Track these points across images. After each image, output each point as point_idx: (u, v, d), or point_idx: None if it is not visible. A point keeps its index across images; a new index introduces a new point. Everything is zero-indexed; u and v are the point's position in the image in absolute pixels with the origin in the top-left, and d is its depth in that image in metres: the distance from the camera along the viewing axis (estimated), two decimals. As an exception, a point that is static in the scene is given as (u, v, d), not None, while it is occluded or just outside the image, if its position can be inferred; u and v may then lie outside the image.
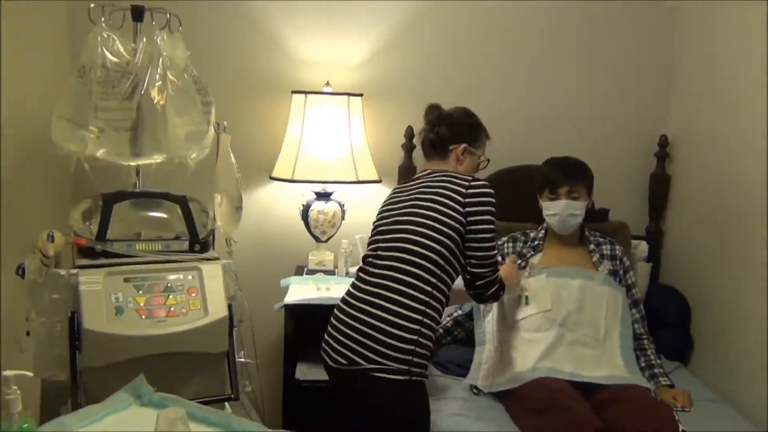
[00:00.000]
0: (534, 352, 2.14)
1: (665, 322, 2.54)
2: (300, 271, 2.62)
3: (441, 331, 2.44)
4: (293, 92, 2.46)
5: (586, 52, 2.77)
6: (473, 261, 1.86)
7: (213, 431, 1.29)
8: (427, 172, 1.96)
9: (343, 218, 2.58)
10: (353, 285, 1.90)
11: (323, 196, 2.55)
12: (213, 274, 1.82)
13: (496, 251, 1.87)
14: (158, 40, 1.91)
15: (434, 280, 1.80)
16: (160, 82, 1.89)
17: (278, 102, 2.55)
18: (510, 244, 2.44)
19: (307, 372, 2.38)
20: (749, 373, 2.19)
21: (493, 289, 1.89)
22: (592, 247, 2.39)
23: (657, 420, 1.81)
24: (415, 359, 1.75)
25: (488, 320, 2.34)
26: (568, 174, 2.34)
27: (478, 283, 1.87)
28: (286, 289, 2.42)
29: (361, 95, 2.53)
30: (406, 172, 2.64)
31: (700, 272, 2.52)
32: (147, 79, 1.88)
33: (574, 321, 2.20)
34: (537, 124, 2.78)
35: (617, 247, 2.41)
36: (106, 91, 1.87)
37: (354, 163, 2.41)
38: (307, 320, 2.27)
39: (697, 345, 2.52)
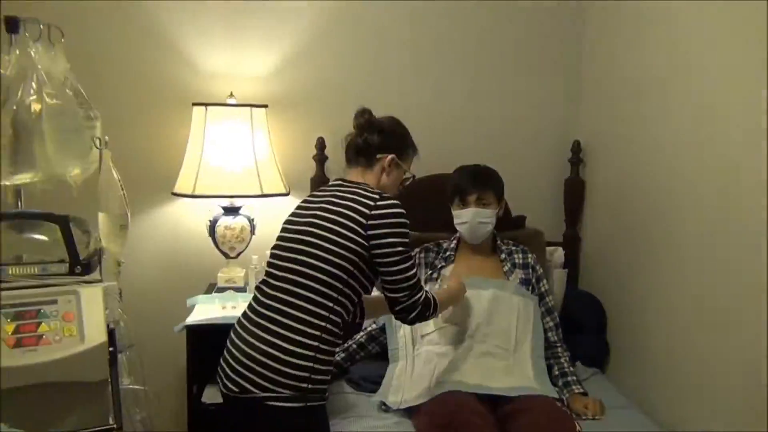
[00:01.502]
0: (442, 366, 2.10)
1: (582, 328, 2.53)
2: (213, 289, 2.53)
3: (354, 346, 2.38)
4: (194, 104, 2.37)
5: (497, 59, 2.76)
6: (385, 285, 1.77)
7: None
8: (337, 183, 1.88)
9: (252, 233, 2.50)
10: (249, 305, 1.81)
11: (231, 210, 2.47)
12: (92, 297, 1.71)
13: (411, 273, 1.75)
14: (32, 53, 1.80)
15: (330, 303, 1.70)
16: (34, 97, 1.79)
17: (180, 115, 2.46)
18: (422, 255, 2.40)
19: (215, 395, 2.28)
20: (660, 377, 2.19)
21: (415, 313, 1.77)
22: (503, 256, 2.36)
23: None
24: (310, 386, 1.67)
25: (400, 335, 2.29)
26: (477, 181, 2.31)
27: (396, 308, 1.78)
28: (193, 309, 2.33)
29: (265, 107, 2.46)
30: (319, 183, 2.57)
31: (616, 277, 2.52)
32: (20, 93, 1.77)
33: (483, 332, 2.16)
34: (450, 132, 2.75)
35: (530, 255, 2.38)
36: (-24, 106, 1.76)
37: (258, 176, 2.34)
38: (214, 341, 2.17)
39: (613, 350, 2.51)
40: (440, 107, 2.74)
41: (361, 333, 2.41)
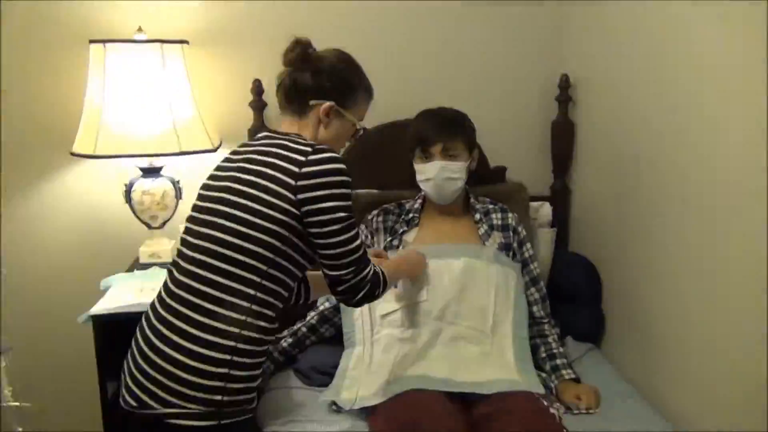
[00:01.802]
0: (404, 355, 1.73)
1: (574, 296, 2.16)
2: (136, 266, 2.12)
3: (304, 329, 2.00)
4: (91, 41, 1.91)
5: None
6: (324, 261, 1.39)
7: None
8: (263, 135, 1.48)
9: (178, 197, 2.09)
10: (158, 294, 1.43)
11: (150, 172, 2.05)
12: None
13: (355, 245, 1.38)
14: None
15: (251, 291, 1.34)
16: None
17: (75, 55, 2.00)
18: (380, 219, 2.00)
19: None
20: (662, 354, 1.83)
21: (362, 293, 1.41)
22: (478, 217, 1.97)
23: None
24: (225, 398, 1.31)
25: (356, 316, 1.91)
26: (442, 128, 1.89)
27: (339, 288, 1.40)
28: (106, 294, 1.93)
29: (185, 42, 2.01)
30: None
31: (612, 237, 2.12)
32: None
33: (454, 311, 1.79)
34: (413, 69, 2.30)
35: (510, 214, 1.99)
36: None
37: (175, 129, 1.90)
38: (131, 331, 1.78)
39: (609, 323, 2.14)
40: (401, 37, 2.28)
41: (312, 313, 2.03)
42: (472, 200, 2.00)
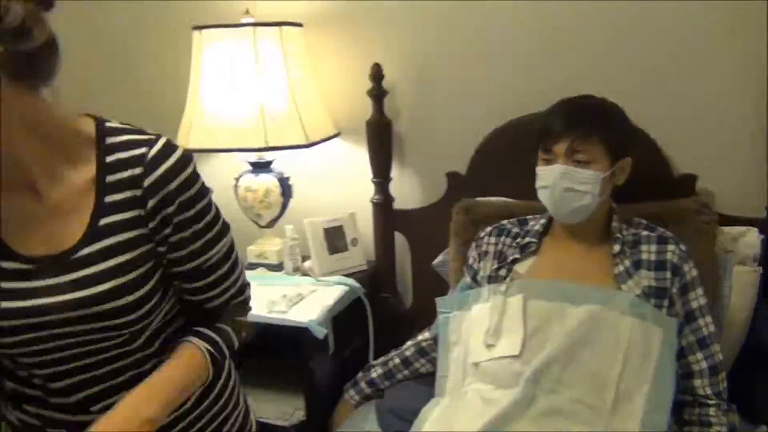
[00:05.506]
0: (483, 420, 1.32)
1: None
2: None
3: (397, 361, 1.69)
4: (194, 28, 1.79)
5: None
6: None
7: None
8: None
9: (287, 195, 1.91)
10: None
11: (259, 166, 1.90)
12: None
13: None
14: None
15: None
16: None
17: (180, 42, 1.89)
18: (491, 239, 1.57)
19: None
20: None
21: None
22: (618, 248, 1.42)
23: None
24: None
25: (453, 357, 1.53)
26: (573, 121, 1.39)
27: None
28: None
29: (299, 26, 1.80)
30: (377, 128, 1.87)
31: None
32: None
33: (556, 377, 1.32)
34: (575, 42, 1.78)
35: (671, 246, 1.41)
36: None
37: (264, 123, 1.70)
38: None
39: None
40: (568, 14, 1.77)
41: (409, 343, 1.70)
42: (614, 224, 1.46)
